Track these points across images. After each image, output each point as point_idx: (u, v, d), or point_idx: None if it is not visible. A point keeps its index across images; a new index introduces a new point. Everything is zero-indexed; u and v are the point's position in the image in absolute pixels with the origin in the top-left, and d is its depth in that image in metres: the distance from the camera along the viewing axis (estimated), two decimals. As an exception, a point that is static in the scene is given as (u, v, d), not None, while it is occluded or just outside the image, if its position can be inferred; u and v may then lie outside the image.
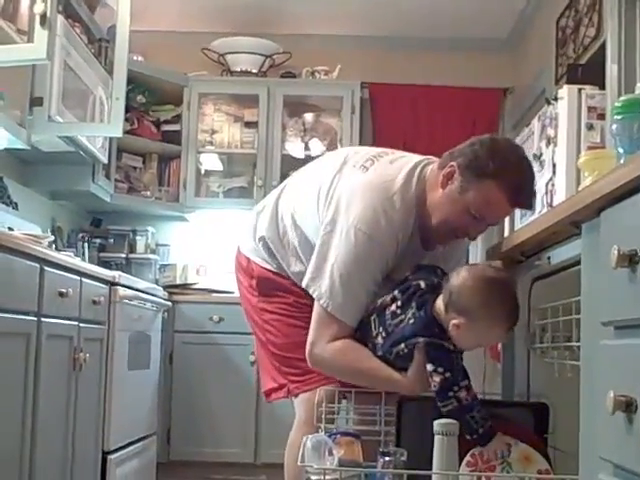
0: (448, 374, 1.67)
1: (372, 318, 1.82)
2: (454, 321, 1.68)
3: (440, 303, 1.72)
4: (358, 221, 1.81)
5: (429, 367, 1.68)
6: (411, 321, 1.73)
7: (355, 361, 1.84)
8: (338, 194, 1.88)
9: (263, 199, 2.20)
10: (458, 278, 1.71)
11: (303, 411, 1.99)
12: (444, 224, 1.86)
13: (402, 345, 1.74)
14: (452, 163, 1.83)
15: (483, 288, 1.68)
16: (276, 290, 2.03)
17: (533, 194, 1.89)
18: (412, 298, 1.75)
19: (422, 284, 1.77)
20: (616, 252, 1.09)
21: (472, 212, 1.82)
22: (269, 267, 2.05)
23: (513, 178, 1.79)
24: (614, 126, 1.46)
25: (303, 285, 1.91)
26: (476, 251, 4.54)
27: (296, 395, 2.03)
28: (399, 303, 1.77)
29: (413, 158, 1.96)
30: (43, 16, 2.40)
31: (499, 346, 2.12)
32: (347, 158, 1.99)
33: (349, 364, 1.85)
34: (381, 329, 1.80)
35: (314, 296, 1.87)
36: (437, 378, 1.67)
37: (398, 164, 1.94)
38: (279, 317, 2.03)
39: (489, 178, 1.78)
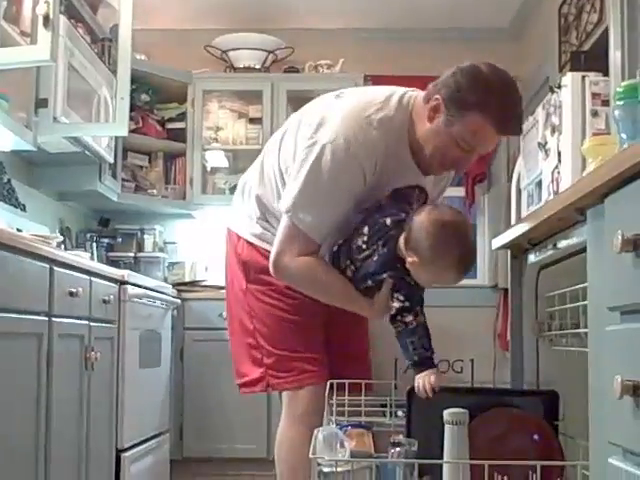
0: (407, 303, 1.78)
1: (342, 249, 1.87)
2: (409, 259, 1.77)
3: (402, 240, 1.79)
4: (335, 138, 1.81)
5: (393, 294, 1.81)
6: (375, 258, 1.81)
7: (324, 277, 1.88)
8: (317, 118, 1.88)
9: (244, 174, 2.22)
10: (417, 217, 1.77)
11: (294, 407, 1.98)
12: (434, 157, 1.87)
13: (369, 281, 1.84)
14: (437, 96, 1.82)
15: (435, 233, 1.74)
16: (263, 274, 1.98)
17: (520, 119, 1.88)
18: (378, 234, 1.81)
19: (388, 221, 1.82)
20: (620, 237, 1.10)
21: (461, 145, 1.81)
22: (259, 244, 2.02)
23: (498, 107, 1.77)
24: (616, 112, 1.46)
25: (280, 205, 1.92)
26: (483, 240, 4.54)
27: (277, 390, 2.03)
28: (365, 238, 1.83)
29: (387, 86, 1.98)
30: (46, 17, 2.40)
31: (508, 335, 2.13)
32: (318, 99, 2.02)
33: (318, 278, 1.88)
34: (349, 262, 1.86)
35: (283, 210, 1.87)
36: (396, 304, 1.79)
37: (372, 90, 1.99)
38: (269, 308, 2.01)
39: (473, 110, 1.76)
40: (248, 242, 2.04)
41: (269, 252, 1.97)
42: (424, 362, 1.76)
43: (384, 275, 1.81)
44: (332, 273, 1.88)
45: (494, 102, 1.77)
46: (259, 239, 2.02)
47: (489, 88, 1.78)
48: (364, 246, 1.83)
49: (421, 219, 1.76)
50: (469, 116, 1.77)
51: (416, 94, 1.91)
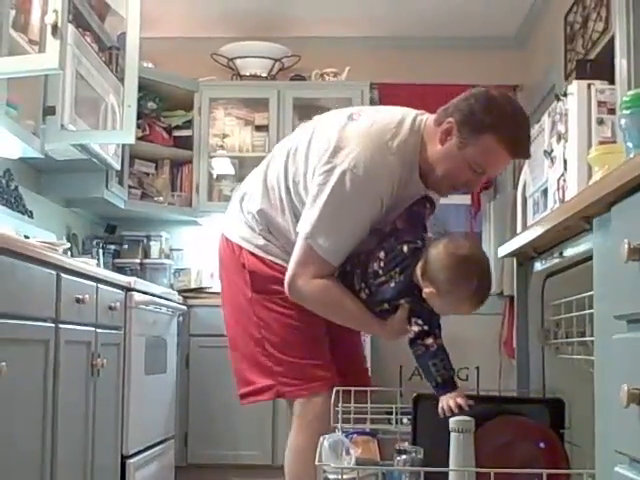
0: (426, 327, 1.79)
1: (356, 271, 1.87)
2: (426, 289, 1.77)
3: (419, 270, 1.79)
4: (355, 164, 1.82)
5: (411, 319, 1.81)
6: (392, 285, 1.82)
7: (338, 299, 1.89)
8: (332, 141, 1.87)
9: (241, 185, 2.17)
10: (434, 249, 1.78)
11: (305, 413, 1.96)
12: (445, 178, 1.89)
13: (385, 305, 1.85)
14: (449, 119, 1.84)
15: (451, 266, 1.74)
16: (270, 284, 1.98)
17: (530, 143, 1.91)
18: (394, 261, 1.82)
19: (405, 249, 1.82)
20: (627, 246, 1.10)
21: (473, 167, 1.85)
22: (261, 254, 2.00)
23: (511, 130, 1.81)
24: (623, 120, 1.47)
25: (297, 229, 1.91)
26: (489, 248, 4.53)
27: (289, 398, 2.01)
28: (381, 264, 1.83)
29: (397, 108, 1.98)
30: (54, 26, 2.41)
31: (514, 343, 2.13)
32: (328, 117, 2.02)
33: (332, 301, 1.89)
34: (363, 285, 1.87)
35: (302, 235, 1.87)
36: (415, 328, 1.80)
37: (384, 112, 1.97)
38: (277, 316, 1.99)
39: (487, 132, 1.80)
40: (251, 253, 2.04)
41: (275, 263, 1.99)
42: (447, 383, 1.77)
43: (401, 301, 1.82)
44: (346, 296, 1.89)
45: (507, 125, 1.81)
46: (263, 251, 2.02)
47: (502, 112, 1.82)
48: (380, 272, 1.83)
49: (437, 251, 1.77)
50: (482, 138, 1.81)
51: (426, 117, 1.94)
